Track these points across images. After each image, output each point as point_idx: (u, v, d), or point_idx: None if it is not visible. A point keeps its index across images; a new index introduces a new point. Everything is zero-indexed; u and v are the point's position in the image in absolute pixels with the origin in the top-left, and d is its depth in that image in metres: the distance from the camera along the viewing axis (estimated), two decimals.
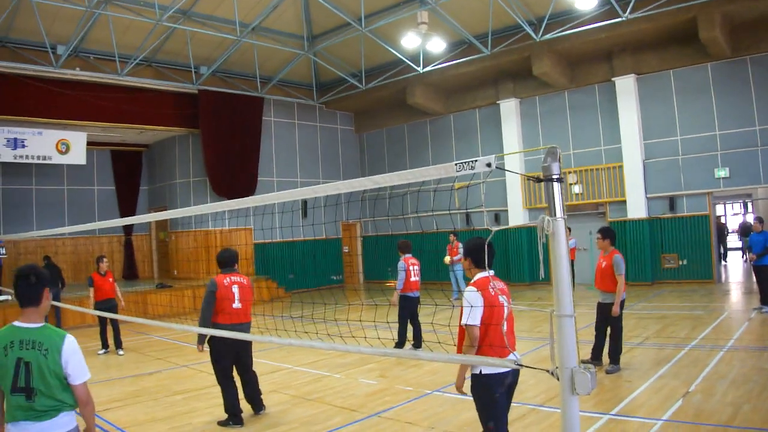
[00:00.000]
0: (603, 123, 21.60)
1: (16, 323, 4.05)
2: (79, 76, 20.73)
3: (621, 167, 20.95)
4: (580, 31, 19.33)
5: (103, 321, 13.86)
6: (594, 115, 21.85)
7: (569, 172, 21.86)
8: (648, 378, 9.00)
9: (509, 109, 23.62)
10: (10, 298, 16.50)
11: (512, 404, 5.34)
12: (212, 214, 22.14)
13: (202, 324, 7.98)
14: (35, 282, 4.07)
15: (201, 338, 8.15)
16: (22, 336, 3.97)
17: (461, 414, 7.67)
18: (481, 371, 5.04)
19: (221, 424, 8.06)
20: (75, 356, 4.03)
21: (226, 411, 8.12)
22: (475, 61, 22.05)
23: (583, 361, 9.48)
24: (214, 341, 8.10)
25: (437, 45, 21.44)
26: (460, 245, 19.13)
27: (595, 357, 9.92)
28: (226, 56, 22.60)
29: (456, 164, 4.04)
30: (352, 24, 21.26)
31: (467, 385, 5.24)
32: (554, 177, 3.78)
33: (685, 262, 20.09)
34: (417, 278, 12.50)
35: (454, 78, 23.73)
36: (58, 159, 21.45)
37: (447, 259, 19.20)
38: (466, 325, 5.04)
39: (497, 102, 23.96)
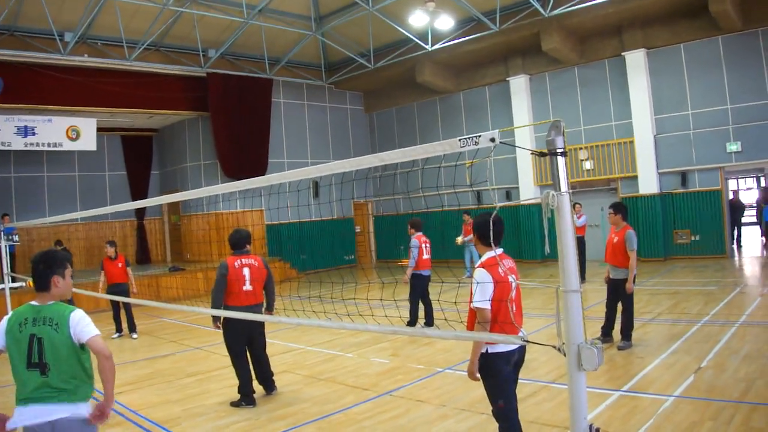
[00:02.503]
0: (613, 98, 21.44)
1: (33, 302, 4.26)
2: (87, 62, 20.72)
3: (632, 142, 20.81)
4: (590, 5, 19.12)
5: (115, 305, 13.95)
6: (604, 90, 21.69)
7: (580, 148, 21.75)
8: (660, 354, 8.98)
9: (519, 85, 23.48)
10: (24, 284, 16.59)
11: (524, 381, 5.36)
12: (223, 196, 22.13)
13: (214, 306, 8.03)
14: (43, 269, 4.25)
15: (215, 318, 8.24)
16: (35, 314, 4.17)
17: (472, 392, 7.67)
18: (487, 350, 5.04)
19: (234, 404, 8.12)
20: (81, 321, 4.20)
21: (239, 392, 8.18)
22: (484, 38, 21.86)
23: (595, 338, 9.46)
24: (226, 323, 8.16)
25: (445, 22, 21.31)
26: None
27: (606, 333, 9.88)
28: (234, 39, 22.54)
29: (460, 140, 4.01)
30: (359, 3, 21.12)
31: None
32: (558, 151, 3.74)
33: (697, 237, 19.98)
34: (428, 256, 12.51)
35: (463, 55, 23.58)
36: (68, 146, 21.52)
37: (459, 239, 19.14)
38: (477, 307, 5.02)
39: (507, 79, 23.82)
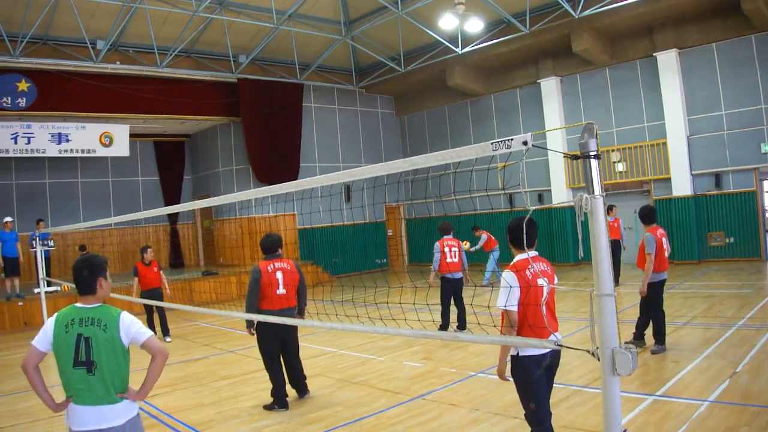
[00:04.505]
0: (645, 99, 21.24)
1: (77, 304, 4.40)
2: (120, 69, 21.00)
3: (665, 144, 20.59)
4: (620, 5, 18.97)
5: (149, 309, 14.10)
6: (636, 91, 21.48)
7: (612, 150, 21.57)
8: (694, 358, 8.88)
9: (550, 87, 23.36)
10: (59, 289, 16.83)
11: (557, 386, 5.32)
12: (256, 200, 22.27)
13: (248, 310, 8.10)
14: (88, 274, 4.40)
15: (249, 323, 8.31)
16: (81, 315, 4.32)
17: (505, 396, 7.65)
18: (518, 353, 5.05)
19: (267, 408, 8.18)
20: (133, 324, 4.40)
21: (272, 395, 8.24)
22: (514, 40, 21.80)
23: (627, 342, 9.39)
24: (260, 327, 8.21)
25: (475, 25, 21.26)
26: (484, 235, 19.27)
27: (638, 337, 9.78)
28: (264, 44, 22.70)
29: (492, 143, 4.01)
30: (388, 7, 21.17)
31: (507, 368, 5.24)
32: (591, 154, 3.72)
33: (731, 239, 19.72)
34: (454, 259, 12.44)
35: (493, 58, 23.52)
36: (102, 152, 21.82)
37: (466, 245, 18.97)
38: (503, 308, 5.04)
39: (537, 81, 23.71)
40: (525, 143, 3.84)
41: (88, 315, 4.31)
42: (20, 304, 17.66)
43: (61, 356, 4.28)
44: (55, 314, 4.41)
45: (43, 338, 4.33)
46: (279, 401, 8.16)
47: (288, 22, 21.63)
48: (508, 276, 5.09)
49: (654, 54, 20.56)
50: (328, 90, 26.80)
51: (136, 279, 13.96)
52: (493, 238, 19.38)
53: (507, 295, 5.02)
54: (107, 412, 4.25)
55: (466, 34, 22.26)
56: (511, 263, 5.26)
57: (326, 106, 26.69)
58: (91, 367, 4.23)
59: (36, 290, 15.75)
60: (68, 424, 4.32)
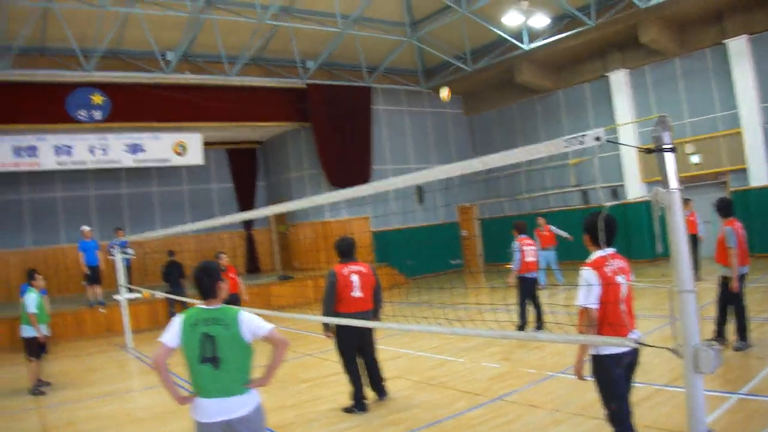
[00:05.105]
0: (717, 88, 20.68)
1: (201, 306, 4.88)
2: (190, 79, 21.55)
3: (739, 133, 20.06)
4: None
5: None
6: (707, 80, 20.94)
7: (686, 142, 21.11)
8: None
9: (618, 80, 22.97)
10: (140, 295, 17.22)
11: (638, 384, 5.26)
12: (329, 204, 22.47)
13: (325, 314, 8.19)
14: (208, 280, 4.86)
15: (326, 326, 8.40)
16: (205, 315, 4.77)
17: (585, 395, 7.56)
18: (598, 352, 5.02)
19: (346, 410, 8.27)
20: (252, 320, 4.82)
21: (352, 398, 8.32)
22: (581, 34, 21.44)
23: (708, 339, 9.20)
24: (337, 330, 8.31)
25: (540, 21, 21.11)
26: (552, 228, 18.79)
27: (719, 333, 9.56)
28: (331, 49, 22.90)
29: (564, 140, 4.00)
30: (452, 6, 21.13)
31: (587, 368, 5.21)
32: (666, 147, 3.69)
33: None
34: (533, 259, 12.42)
35: (560, 53, 23.26)
36: (176, 161, 22.46)
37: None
38: (582, 306, 5.02)
39: (606, 74, 23.36)
40: (598, 139, 3.83)
41: (211, 315, 4.74)
42: (102, 311, 18.21)
43: (188, 353, 4.69)
44: (183, 315, 4.85)
45: (173, 335, 4.76)
46: (358, 404, 8.25)
47: (353, 26, 21.77)
48: (587, 274, 5.07)
49: (724, 41, 20.02)
50: (396, 92, 26.89)
51: None
52: (550, 234, 18.89)
53: (587, 293, 5.00)
54: (233, 403, 4.65)
55: (531, 30, 22.07)
56: (590, 260, 5.22)
57: (394, 108, 26.77)
58: (216, 362, 4.62)
59: (116, 297, 16.20)
60: (196, 418, 4.68)
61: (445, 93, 19.40)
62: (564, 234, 18.49)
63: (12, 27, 17.37)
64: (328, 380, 10.13)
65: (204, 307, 4.83)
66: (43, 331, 11.48)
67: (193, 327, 4.70)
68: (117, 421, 9.00)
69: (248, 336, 4.72)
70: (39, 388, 11.30)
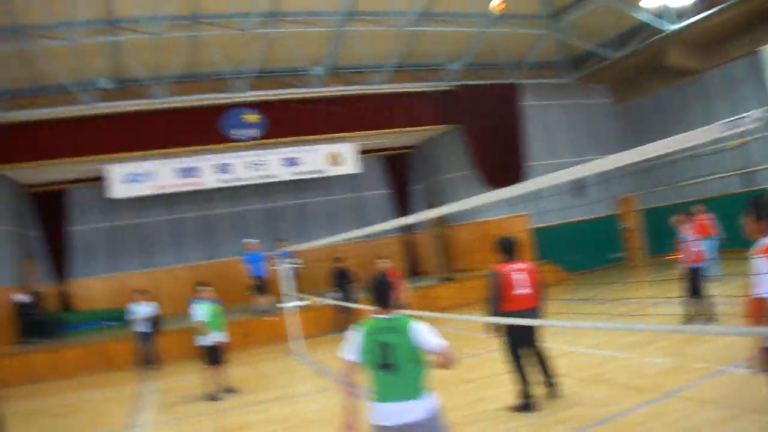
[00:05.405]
0: None
1: (377, 316, 5.15)
2: (339, 91, 22.26)
3: None
4: None
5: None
6: None
7: None
8: None
9: None
10: (309, 302, 17.76)
11: None
12: (486, 204, 22.38)
13: (490, 314, 8.27)
14: (383, 291, 5.17)
15: (492, 326, 8.47)
16: (381, 324, 5.06)
17: (760, 391, 7.28)
18: None
19: (515, 409, 8.29)
20: (422, 333, 4.93)
21: (520, 396, 8.33)
22: (728, 9, 20.17)
23: None
24: (504, 329, 8.35)
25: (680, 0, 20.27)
26: (705, 217, 17.77)
27: None
28: (474, 50, 22.92)
29: (721, 124, 3.88)
30: None
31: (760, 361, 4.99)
32: None
33: None
34: (698, 248, 11.98)
35: (706, 31, 21.88)
36: (330, 171, 23.23)
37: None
38: (758, 296, 4.76)
39: (757, 49, 21.90)
40: (761, 119, 3.68)
41: (387, 324, 5.02)
42: (270, 319, 19.00)
43: (367, 360, 4.99)
44: (361, 327, 5.14)
45: (352, 349, 5.09)
46: (526, 402, 8.26)
47: (492, 24, 21.70)
48: (761, 261, 4.81)
49: None
50: (542, 86, 26.46)
51: None
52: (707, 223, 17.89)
53: (762, 281, 4.75)
54: (410, 407, 4.83)
55: (677, 10, 21.13)
56: (761, 246, 4.89)
57: (543, 103, 26.35)
58: (391, 368, 4.85)
59: (282, 305, 16.90)
60: (374, 422, 4.92)
61: (496, 2, 18.48)
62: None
63: (164, 57, 18.89)
64: (493, 380, 10.15)
65: (380, 316, 5.10)
66: (218, 337, 12.19)
67: (370, 336, 5.00)
68: (288, 425, 9.41)
69: (419, 344, 4.89)
70: (221, 394, 11.92)
